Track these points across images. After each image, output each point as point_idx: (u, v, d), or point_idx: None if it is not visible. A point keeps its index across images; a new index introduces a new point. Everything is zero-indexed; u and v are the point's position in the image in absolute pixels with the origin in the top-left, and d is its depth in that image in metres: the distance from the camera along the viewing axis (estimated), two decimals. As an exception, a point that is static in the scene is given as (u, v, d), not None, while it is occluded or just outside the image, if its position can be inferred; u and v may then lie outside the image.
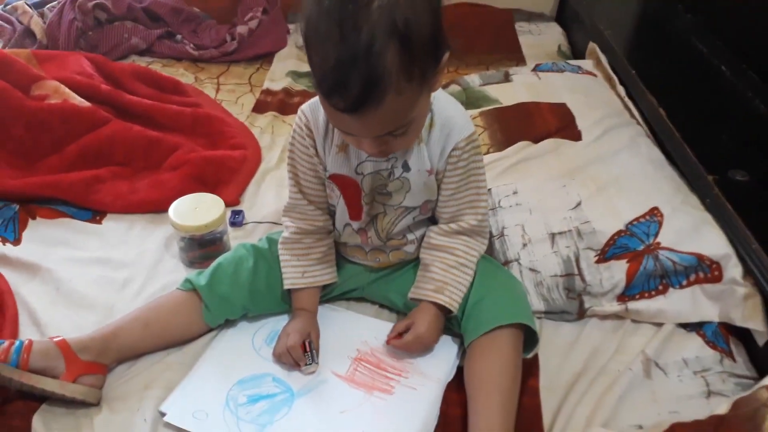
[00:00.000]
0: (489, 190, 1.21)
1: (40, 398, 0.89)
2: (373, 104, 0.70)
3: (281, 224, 1.04)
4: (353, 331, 1.02)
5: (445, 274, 0.96)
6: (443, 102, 0.90)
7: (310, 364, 0.94)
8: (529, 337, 0.97)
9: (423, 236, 1.02)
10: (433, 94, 0.87)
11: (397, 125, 0.76)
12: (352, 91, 0.68)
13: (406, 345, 0.96)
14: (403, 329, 0.97)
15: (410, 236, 1.01)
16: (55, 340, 0.90)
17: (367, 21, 0.66)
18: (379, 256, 1.03)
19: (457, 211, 0.96)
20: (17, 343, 0.88)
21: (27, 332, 1.01)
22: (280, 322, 1.02)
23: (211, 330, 1.02)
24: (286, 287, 1.00)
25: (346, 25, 0.67)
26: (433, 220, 1.02)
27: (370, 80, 0.68)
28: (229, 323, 1.03)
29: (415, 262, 1.03)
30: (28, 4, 1.91)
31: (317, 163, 0.94)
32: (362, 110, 0.70)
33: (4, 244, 1.18)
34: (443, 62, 0.77)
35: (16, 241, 1.20)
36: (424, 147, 0.90)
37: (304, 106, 0.93)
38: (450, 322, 1.00)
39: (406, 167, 0.91)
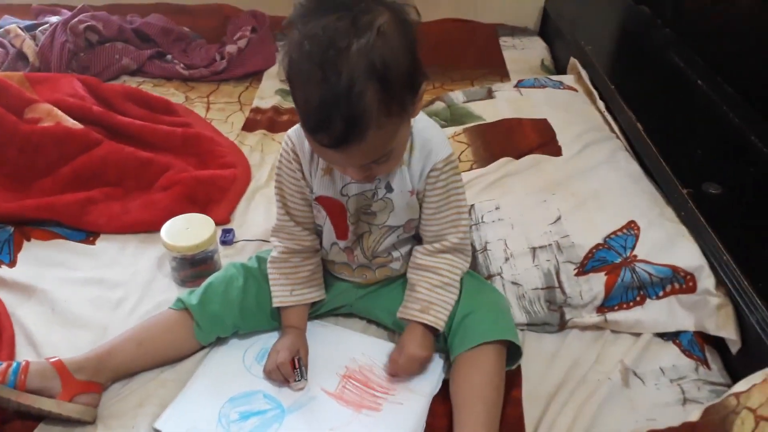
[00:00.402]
0: (472, 206, 1.24)
1: (37, 418, 0.91)
2: (356, 140, 0.74)
3: (271, 242, 1.07)
4: (342, 347, 1.05)
5: (431, 294, 0.99)
6: (422, 124, 0.94)
7: (299, 380, 0.97)
8: (513, 350, 1.00)
9: (408, 253, 1.05)
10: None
11: (380, 155, 0.80)
12: (335, 130, 0.72)
13: (402, 368, 0.98)
14: (398, 356, 1.00)
15: (395, 253, 1.04)
16: (51, 360, 0.93)
17: (347, 64, 0.70)
18: (366, 272, 1.06)
19: (439, 230, 0.99)
20: (14, 364, 0.90)
21: (23, 352, 1.03)
22: (270, 339, 1.05)
23: (203, 348, 1.05)
24: (274, 305, 1.03)
25: (327, 68, 0.70)
26: (417, 238, 1.05)
27: (352, 119, 0.72)
28: (220, 341, 1.05)
29: (402, 278, 1.06)
30: (20, 27, 1.94)
31: (304, 186, 0.98)
32: (345, 146, 0.75)
33: (-1, 266, 1.21)
34: (422, 91, 0.82)
35: (12, 263, 1.22)
36: (406, 169, 0.93)
37: (290, 132, 0.96)
38: (435, 339, 1.03)
39: (389, 188, 0.95)
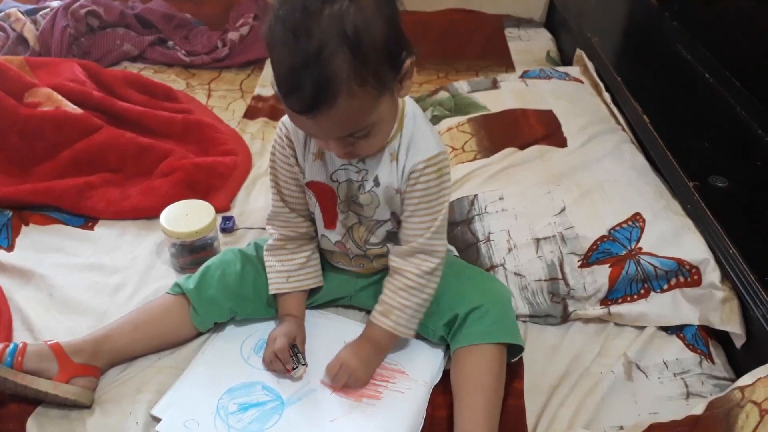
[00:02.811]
0: (476, 196, 1.23)
1: (34, 401, 0.91)
2: (325, 106, 0.74)
3: (266, 230, 1.06)
4: (342, 337, 1.03)
5: (394, 296, 0.96)
6: (413, 122, 0.91)
7: (296, 367, 0.96)
8: (515, 344, 0.98)
9: None
10: (411, 113, 0.90)
11: (356, 127, 0.79)
12: (304, 93, 0.73)
13: (329, 369, 0.95)
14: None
15: (390, 245, 1.02)
16: (48, 343, 0.92)
17: (318, 28, 0.71)
18: (363, 262, 1.04)
19: (411, 233, 0.94)
20: (12, 345, 0.90)
21: (21, 337, 1.02)
22: (267, 330, 1.03)
23: (200, 334, 1.04)
24: (271, 292, 1.02)
25: (299, 32, 0.71)
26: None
27: (321, 83, 0.72)
28: (217, 330, 1.05)
29: None
30: (21, 12, 1.93)
31: (297, 171, 0.96)
32: (316, 111, 0.74)
33: (-3, 251, 1.20)
34: (405, 68, 0.80)
35: (10, 248, 1.21)
36: (395, 164, 0.91)
37: (284, 118, 0.95)
38: (431, 337, 1.02)
39: (377, 182, 0.92)
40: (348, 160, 0.90)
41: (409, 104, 0.92)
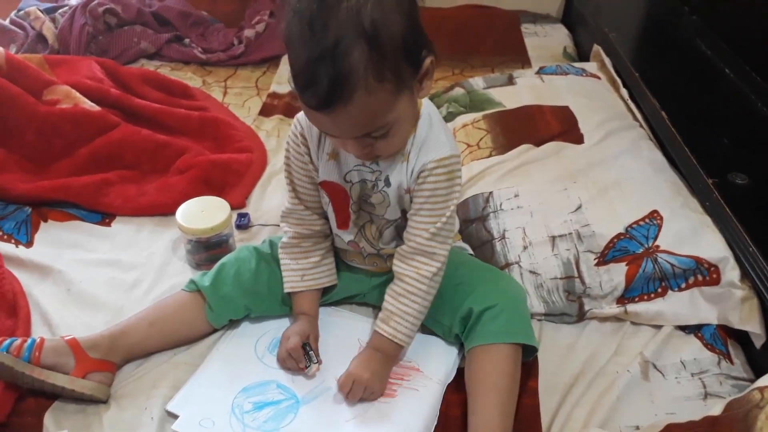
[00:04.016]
0: (491, 193, 1.22)
1: (51, 396, 0.92)
2: (342, 102, 0.73)
3: (281, 227, 1.06)
4: (356, 336, 1.04)
5: (393, 303, 0.95)
6: (428, 122, 0.90)
7: (309, 366, 0.96)
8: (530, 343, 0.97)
9: None
10: (427, 114, 0.89)
11: (374, 126, 0.78)
12: (320, 88, 0.72)
13: (341, 385, 0.93)
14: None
15: (402, 244, 1.02)
16: (65, 338, 0.93)
17: (335, 21, 0.70)
18: (376, 260, 1.04)
19: (414, 232, 0.93)
20: (29, 340, 0.91)
21: (39, 332, 1.04)
22: (281, 329, 1.03)
23: (215, 331, 1.04)
24: (286, 291, 1.02)
25: (316, 25, 0.71)
26: None
27: (337, 77, 0.71)
28: (232, 327, 1.05)
29: None
30: (40, 10, 1.95)
31: (312, 169, 0.96)
32: (332, 107, 0.73)
33: (17, 247, 1.21)
34: (425, 67, 0.79)
35: (29, 244, 1.23)
36: (405, 164, 0.90)
37: (299, 115, 0.94)
38: (446, 335, 1.01)
39: (387, 182, 0.92)
40: (361, 161, 0.90)
41: (425, 104, 0.91)
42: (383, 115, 0.77)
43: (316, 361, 0.96)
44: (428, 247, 0.92)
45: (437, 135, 0.89)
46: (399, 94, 0.77)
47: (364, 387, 0.92)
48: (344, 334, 1.04)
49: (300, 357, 0.96)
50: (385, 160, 0.90)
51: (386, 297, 0.97)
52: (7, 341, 0.90)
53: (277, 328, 1.05)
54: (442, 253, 0.93)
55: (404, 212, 0.96)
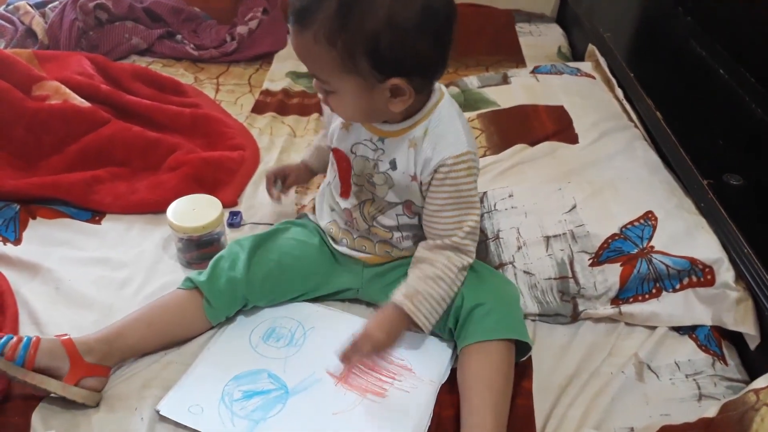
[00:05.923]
0: (485, 193, 1.22)
1: (39, 397, 0.90)
2: (300, 25, 0.81)
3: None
4: (348, 332, 1.02)
5: (419, 283, 0.95)
6: (446, 115, 0.92)
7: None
8: (523, 342, 0.97)
9: (412, 239, 1.03)
10: (446, 107, 0.92)
11: (317, 73, 0.85)
12: (295, 4, 0.81)
13: (354, 344, 0.91)
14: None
15: (396, 234, 1.02)
16: (61, 339, 0.91)
17: None
18: (365, 243, 1.05)
19: (443, 229, 0.95)
20: (25, 339, 0.89)
21: (27, 331, 1.02)
22: (277, 319, 1.04)
23: (211, 328, 1.03)
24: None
25: None
26: (423, 227, 1.02)
27: (305, 5, 0.80)
28: (227, 321, 1.05)
29: (408, 266, 1.04)
30: (29, 5, 1.92)
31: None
32: (294, 24, 0.82)
33: (4, 244, 1.19)
34: (390, 85, 0.82)
35: (17, 241, 1.21)
36: (413, 151, 0.92)
37: None
38: (440, 330, 1.01)
39: (393, 165, 0.95)
40: (369, 137, 0.95)
41: (445, 99, 0.94)
42: (324, 72, 0.84)
43: (281, 190, 1.21)
44: (462, 245, 0.95)
45: (456, 130, 0.92)
46: (346, 71, 0.82)
47: (373, 344, 0.91)
48: (336, 331, 1.02)
49: (269, 185, 1.19)
50: (389, 140, 0.94)
51: (410, 277, 0.97)
52: (3, 339, 0.88)
53: (272, 318, 1.05)
54: (473, 250, 0.97)
55: (408, 203, 0.97)
